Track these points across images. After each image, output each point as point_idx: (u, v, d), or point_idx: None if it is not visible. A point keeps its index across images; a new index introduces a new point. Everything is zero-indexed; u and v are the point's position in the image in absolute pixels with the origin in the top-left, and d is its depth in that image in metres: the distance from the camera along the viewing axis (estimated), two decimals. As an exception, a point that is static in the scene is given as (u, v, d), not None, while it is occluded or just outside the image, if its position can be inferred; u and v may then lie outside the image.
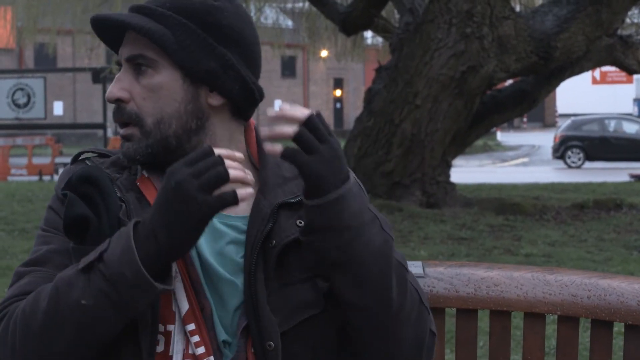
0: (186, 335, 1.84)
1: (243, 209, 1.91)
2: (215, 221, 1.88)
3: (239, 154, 1.76)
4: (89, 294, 1.72)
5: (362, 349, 1.88)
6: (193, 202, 1.70)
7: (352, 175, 1.84)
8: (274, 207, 1.89)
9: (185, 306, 1.83)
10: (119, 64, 1.93)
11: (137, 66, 1.89)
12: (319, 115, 1.79)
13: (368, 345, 1.88)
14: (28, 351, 1.75)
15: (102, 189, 1.83)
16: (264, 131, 1.75)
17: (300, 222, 1.88)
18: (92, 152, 2.00)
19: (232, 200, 1.72)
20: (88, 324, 1.73)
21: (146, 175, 1.91)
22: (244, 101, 1.92)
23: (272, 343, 1.84)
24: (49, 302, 1.74)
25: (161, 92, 1.88)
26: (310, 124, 1.77)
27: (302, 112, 1.76)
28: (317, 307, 1.88)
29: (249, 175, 1.75)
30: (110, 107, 1.99)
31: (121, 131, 1.91)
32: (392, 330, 1.86)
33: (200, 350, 1.82)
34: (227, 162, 1.72)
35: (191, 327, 1.83)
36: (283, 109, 1.77)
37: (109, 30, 1.93)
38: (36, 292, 1.78)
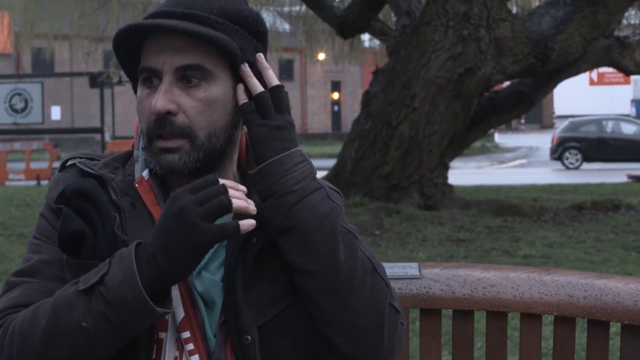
0: (180, 343, 1.84)
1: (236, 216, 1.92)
2: None
3: (242, 187, 1.79)
4: (89, 317, 1.71)
5: (321, 323, 1.86)
6: (195, 230, 1.71)
7: (299, 151, 1.88)
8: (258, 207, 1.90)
9: (181, 314, 1.84)
10: (152, 72, 1.85)
11: (186, 77, 1.84)
12: (286, 93, 1.88)
13: (325, 316, 1.85)
14: None
15: (97, 203, 1.82)
16: (244, 70, 1.85)
17: None
18: (80, 157, 1.99)
19: (234, 231, 1.75)
20: (87, 345, 1.73)
21: (146, 179, 1.90)
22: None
23: (249, 337, 1.85)
24: (48, 321, 1.73)
25: (217, 105, 1.86)
26: (275, 93, 1.86)
27: (273, 79, 1.87)
28: (290, 299, 1.90)
29: (251, 205, 1.78)
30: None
31: (163, 143, 1.85)
32: (345, 298, 1.84)
33: (194, 358, 1.83)
34: (231, 192, 1.74)
35: (186, 334, 1.84)
36: (262, 65, 1.87)
37: (130, 38, 1.86)
38: (34, 308, 1.77)
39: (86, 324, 1.71)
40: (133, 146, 1.99)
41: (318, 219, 1.84)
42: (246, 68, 1.86)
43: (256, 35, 1.91)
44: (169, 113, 1.83)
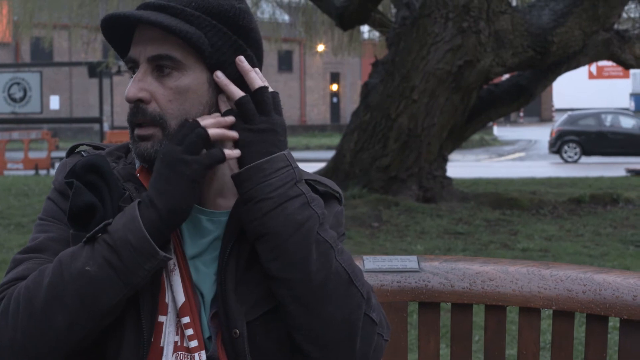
0: (179, 328, 1.86)
1: (229, 205, 1.94)
2: (203, 218, 1.92)
3: (229, 118, 1.86)
4: (92, 262, 1.76)
5: (292, 329, 1.87)
6: (181, 164, 1.78)
7: (284, 152, 1.88)
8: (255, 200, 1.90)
9: (181, 299, 1.86)
10: (133, 61, 1.90)
11: (159, 67, 1.88)
12: (273, 93, 1.89)
13: (295, 322, 1.86)
14: (30, 326, 1.76)
15: (106, 177, 1.85)
16: (218, 78, 1.87)
17: None
18: (87, 145, 2.03)
19: (219, 154, 1.82)
20: (91, 293, 1.76)
21: (146, 166, 1.92)
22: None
23: (237, 330, 1.86)
24: (52, 275, 1.77)
25: (188, 94, 1.88)
26: (258, 95, 1.87)
27: (255, 82, 1.88)
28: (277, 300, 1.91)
29: (230, 132, 1.84)
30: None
31: (138, 131, 1.89)
32: (315, 306, 1.84)
33: (194, 343, 1.85)
34: (205, 122, 1.83)
35: (186, 320, 1.86)
36: (244, 68, 1.88)
37: (120, 28, 1.91)
38: (39, 270, 1.80)
39: (90, 268, 1.75)
40: None
41: (292, 227, 1.83)
42: (220, 76, 1.88)
43: (237, 30, 1.90)
44: (141, 101, 1.88)
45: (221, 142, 1.86)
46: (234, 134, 1.84)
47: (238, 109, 1.87)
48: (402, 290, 2.42)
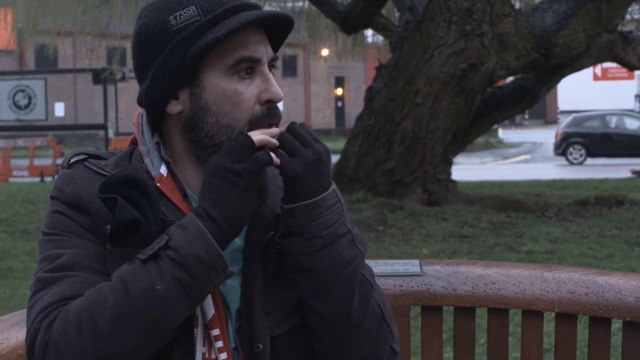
0: (209, 340, 1.85)
1: None
2: None
3: (274, 130, 1.85)
4: (162, 280, 1.72)
5: (320, 356, 1.90)
6: (230, 173, 1.76)
7: (333, 186, 1.87)
8: (275, 214, 1.91)
9: (211, 311, 1.85)
10: (255, 61, 1.87)
11: (270, 67, 1.91)
12: (302, 124, 1.88)
13: (326, 355, 1.89)
14: (96, 348, 1.71)
15: (147, 191, 1.80)
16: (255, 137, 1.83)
17: None
18: (85, 154, 1.97)
19: (266, 157, 1.80)
20: (160, 312, 1.72)
21: (165, 175, 1.88)
22: None
23: (260, 345, 1.85)
24: (116, 295, 1.72)
25: None
26: (292, 130, 1.86)
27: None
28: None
29: (273, 139, 1.83)
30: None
31: (277, 129, 1.88)
32: (349, 342, 1.88)
33: (223, 356, 1.84)
34: (251, 133, 1.80)
35: (216, 332, 1.85)
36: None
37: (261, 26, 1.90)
38: (96, 290, 1.74)
39: (160, 287, 1.71)
40: (134, 142, 1.97)
41: (339, 266, 1.84)
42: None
43: None
44: (273, 101, 1.90)
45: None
46: (274, 142, 1.83)
47: (282, 145, 1.85)
48: (404, 294, 2.42)
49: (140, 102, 1.93)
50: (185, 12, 1.85)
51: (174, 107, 1.89)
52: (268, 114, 1.88)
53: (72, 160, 1.94)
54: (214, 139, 1.86)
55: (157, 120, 1.93)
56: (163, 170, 1.89)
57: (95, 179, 1.87)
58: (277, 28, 1.90)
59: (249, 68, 1.86)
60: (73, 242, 1.84)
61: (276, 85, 1.88)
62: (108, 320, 1.71)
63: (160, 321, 1.73)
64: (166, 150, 1.91)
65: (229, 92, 1.85)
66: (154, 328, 1.73)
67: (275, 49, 1.92)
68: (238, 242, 1.89)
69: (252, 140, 1.78)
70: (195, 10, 1.84)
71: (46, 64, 41.52)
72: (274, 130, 1.84)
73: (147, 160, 1.91)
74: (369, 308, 1.89)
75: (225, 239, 1.78)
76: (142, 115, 1.96)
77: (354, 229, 1.89)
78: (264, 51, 1.88)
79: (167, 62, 1.85)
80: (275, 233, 1.89)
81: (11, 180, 23.34)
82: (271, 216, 1.91)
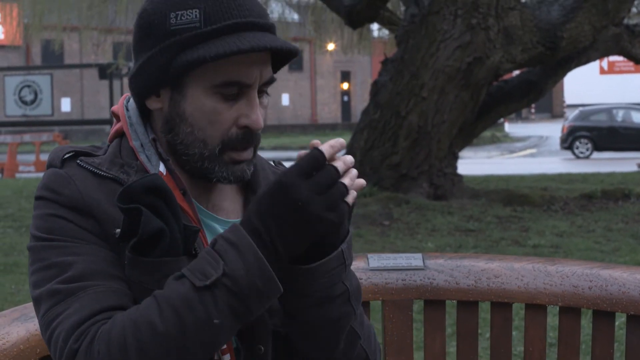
0: None
1: (237, 212, 1.90)
2: (217, 227, 1.86)
3: (340, 140, 1.70)
4: (218, 312, 1.65)
5: None
6: (320, 223, 1.66)
7: (344, 247, 1.78)
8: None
9: None
10: (244, 85, 1.79)
11: (262, 90, 1.83)
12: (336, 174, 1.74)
13: None
14: None
15: (168, 198, 1.73)
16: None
17: None
18: (74, 150, 1.87)
19: (349, 212, 1.71)
20: (214, 340, 1.68)
21: (164, 173, 1.82)
22: None
23: (262, 347, 1.82)
24: (168, 324, 1.65)
25: None
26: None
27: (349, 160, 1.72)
28: None
29: (357, 182, 1.72)
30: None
31: (245, 154, 1.82)
32: None
33: (226, 357, 1.81)
34: (346, 181, 1.69)
35: None
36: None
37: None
38: (139, 312, 1.67)
39: (218, 320, 1.65)
40: (118, 134, 1.90)
41: (328, 323, 1.80)
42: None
43: None
44: None
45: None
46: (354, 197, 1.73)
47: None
48: (407, 288, 2.41)
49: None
50: (187, 14, 1.77)
51: (154, 103, 1.84)
52: (243, 139, 1.81)
53: (64, 157, 1.85)
54: (189, 148, 1.81)
55: (144, 111, 1.88)
56: (162, 168, 1.83)
57: (95, 180, 1.80)
58: (280, 52, 1.82)
59: (236, 92, 1.79)
60: (81, 248, 1.76)
61: (258, 113, 1.80)
62: (158, 349, 1.65)
63: (211, 350, 1.69)
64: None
65: (207, 108, 1.79)
66: (205, 355, 1.69)
67: (275, 69, 1.86)
68: None
69: (348, 193, 1.68)
70: (198, 16, 1.76)
71: (52, 59, 41.57)
72: (361, 181, 1.72)
73: (142, 157, 1.85)
74: (352, 354, 1.87)
75: (279, 264, 1.70)
76: (127, 108, 1.90)
77: (352, 283, 1.83)
78: (257, 75, 1.79)
79: (155, 61, 1.80)
80: None
81: (17, 175, 23.37)
82: None
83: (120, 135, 1.90)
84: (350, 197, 1.69)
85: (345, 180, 1.68)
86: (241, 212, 1.89)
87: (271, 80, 1.83)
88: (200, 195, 1.87)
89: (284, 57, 1.86)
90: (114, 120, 1.94)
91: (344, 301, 1.79)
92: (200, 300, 1.64)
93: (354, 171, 1.70)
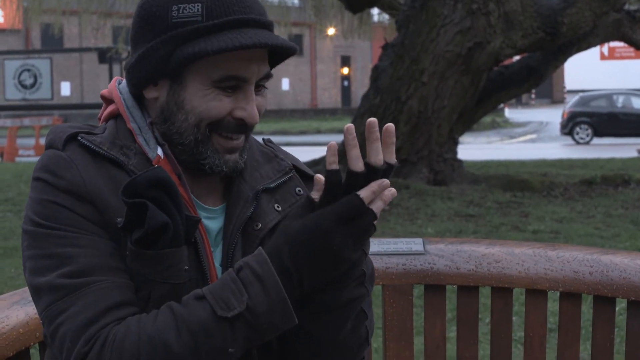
0: None
1: (218, 199, 1.90)
2: (203, 215, 1.86)
3: (385, 182, 1.71)
4: (234, 342, 1.67)
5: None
6: (347, 262, 1.70)
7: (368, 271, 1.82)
8: (256, 190, 1.88)
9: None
10: (241, 80, 1.80)
11: (260, 85, 1.85)
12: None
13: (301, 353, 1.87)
14: None
15: (172, 191, 1.73)
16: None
17: (278, 207, 1.90)
18: (79, 131, 1.85)
19: (368, 251, 1.77)
20: None
21: (162, 157, 1.83)
22: None
23: None
24: (184, 347, 1.66)
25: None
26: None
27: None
28: None
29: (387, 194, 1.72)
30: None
31: (236, 143, 1.83)
32: (328, 357, 1.87)
33: None
34: (375, 208, 1.69)
35: None
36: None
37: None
38: (154, 327, 1.67)
39: (233, 350, 1.67)
40: (112, 115, 1.89)
41: (340, 304, 1.80)
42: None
43: None
44: None
45: None
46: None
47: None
48: (407, 273, 2.41)
49: (126, 71, 1.89)
50: (189, 7, 1.78)
51: (151, 93, 1.85)
52: (236, 129, 1.82)
53: (66, 139, 1.82)
54: (183, 137, 1.82)
55: (139, 97, 1.88)
56: (160, 152, 1.83)
57: (96, 165, 1.79)
58: (277, 48, 1.83)
59: (234, 85, 1.81)
60: (81, 239, 1.74)
61: (254, 107, 1.82)
62: None
63: None
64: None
65: (206, 98, 1.80)
66: None
67: (272, 65, 1.88)
68: (220, 223, 1.87)
69: (375, 230, 1.71)
70: (200, 10, 1.78)
71: (52, 43, 41.51)
72: (390, 194, 1.72)
73: (140, 140, 1.84)
74: (357, 333, 1.87)
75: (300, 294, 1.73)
76: (120, 92, 1.90)
77: (368, 267, 1.84)
78: (255, 70, 1.82)
79: (155, 52, 1.80)
80: (256, 208, 1.86)
81: (17, 159, 23.37)
82: (251, 192, 1.88)
83: (115, 117, 1.89)
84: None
85: (377, 212, 1.70)
86: (221, 199, 1.89)
87: (268, 76, 1.85)
88: (189, 183, 1.86)
89: (282, 54, 1.88)
90: (104, 103, 1.94)
91: (359, 284, 1.80)
92: (219, 329, 1.66)
93: (390, 192, 1.71)
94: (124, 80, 1.93)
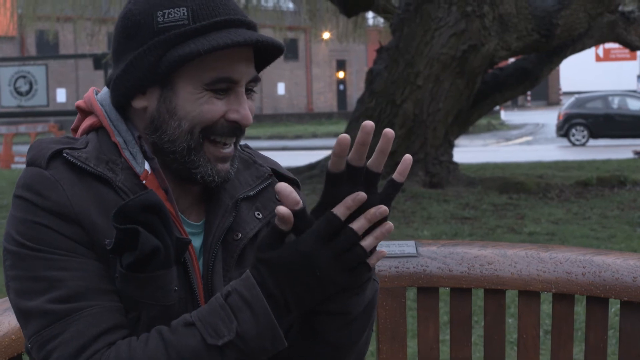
0: None
1: (201, 214, 1.88)
2: (187, 230, 1.84)
3: (360, 195, 1.65)
4: None
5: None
6: (334, 285, 1.65)
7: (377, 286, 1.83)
8: (236, 199, 1.87)
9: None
10: (232, 82, 1.79)
11: (249, 88, 1.83)
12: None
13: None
14: None
15: (163, 215, 1.71)
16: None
17: (259, 214, 1.88)
18: (60, 146, 1.80)
19: (367, 276, 1.68)
20: None
21: (149, 172, 1.80)
22: None
23: None
24: None
25: None
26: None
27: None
28: None
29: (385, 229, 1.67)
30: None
31: (228, 150, 1.82)
32: (341, 358, 1.84)
33: None
34: (366, 244, 1.64)
35: None
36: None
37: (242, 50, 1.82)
38: (145, 357, 1.67)
39: None
40: (92, 127, 1.86)
41: (362, 305, 1.78)
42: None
43: None
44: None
45: None
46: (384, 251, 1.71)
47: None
48: (400, 276, 2.40)
49: (108, 85, 1.86)
50: (175, 12, 1.77)
51: (139, 102, 1.81)
52: (228, 130, 1.81)
53: (49, 156, 1.77)
54: (175, 144, 1.79)
55: (121, 109, 1.85)
56: (147, 167, 1.80)
57: (82, 183, 1.75)
58: (265, 50, 1.83)
59: (225, 87, 1.79)
60: (69, 262, 1.71)
61: (247, 109, 1.80)
62: None
63: None
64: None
65: (199, 102, 1.78)
66: None
67: (259, 69, 1.87)
68: (202, 238, 1.86)
69: (367, 256, 1.64)
70: (186, 13, 1.77)
71: (47, 49, 41.48)
72: (387, 228, 1.67)
73: (126, 154, 1.81)
74: (370, 333, 1.86)
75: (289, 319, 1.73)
76: (101, 103, 1.87)
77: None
78: (244, 72, 1.80)
79: (143, 59, 1.78)
80: (236, 217, 1.84)
81: (13, 166, 23.34)
82: (231, 201, 1.86)
83: (96, 129, 1.86)
84: (375, 258, 1.65)
85: (368, 240, 1.63)
86: (203, 210, 1.88)
87: (256, 79, 1.83)
88: (175, 197, 1.85)
89: (269, 56, 1.86)
90: (78, 114, 1.90)
91: (372, 280, 1.78)
92: (209, 357, 1.65)
93: (384, 228, 1.65)
94: (102, 92, 1.90)
